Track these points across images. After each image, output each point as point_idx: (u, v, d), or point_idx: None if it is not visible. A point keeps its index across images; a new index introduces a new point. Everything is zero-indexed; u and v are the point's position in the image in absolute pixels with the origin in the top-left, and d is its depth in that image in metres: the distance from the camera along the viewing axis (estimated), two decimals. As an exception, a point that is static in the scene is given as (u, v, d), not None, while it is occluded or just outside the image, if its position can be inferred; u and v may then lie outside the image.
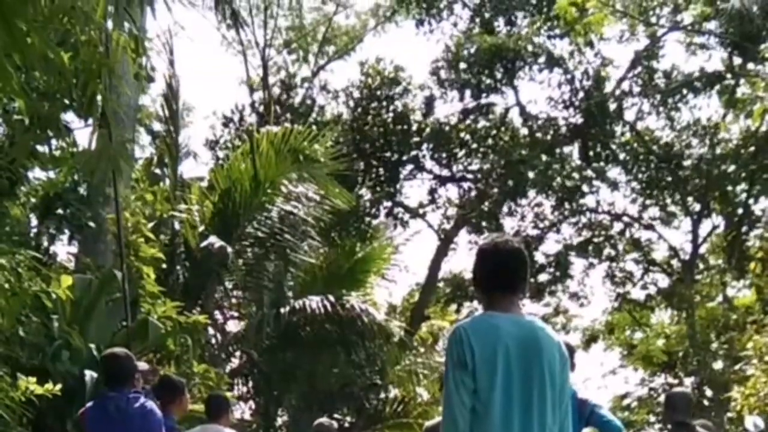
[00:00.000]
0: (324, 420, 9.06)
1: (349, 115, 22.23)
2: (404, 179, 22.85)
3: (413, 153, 22.29)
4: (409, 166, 22.68)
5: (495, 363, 3.55)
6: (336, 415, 15.33)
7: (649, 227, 23.70)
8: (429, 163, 22.85)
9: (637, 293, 24.74)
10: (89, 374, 8.16)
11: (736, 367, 15.60)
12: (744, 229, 21.55)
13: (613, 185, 22.04)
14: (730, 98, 20.85)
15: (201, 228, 12.90)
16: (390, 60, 22.00)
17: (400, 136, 21.83)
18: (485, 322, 3.74)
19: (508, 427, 3.52)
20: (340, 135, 19.75)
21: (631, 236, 23.90)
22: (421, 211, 23.28)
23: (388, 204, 22.39)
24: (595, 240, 23.29)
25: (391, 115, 21.96)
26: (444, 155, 22.42)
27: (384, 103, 21.97)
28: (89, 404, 6.67)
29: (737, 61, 21.19)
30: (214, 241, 12.22)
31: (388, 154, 22.09)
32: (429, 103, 22.22)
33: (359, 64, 22.33)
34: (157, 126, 13.76)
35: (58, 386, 7.32)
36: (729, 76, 20.91)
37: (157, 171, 13.63)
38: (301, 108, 22.67)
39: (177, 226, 12.75)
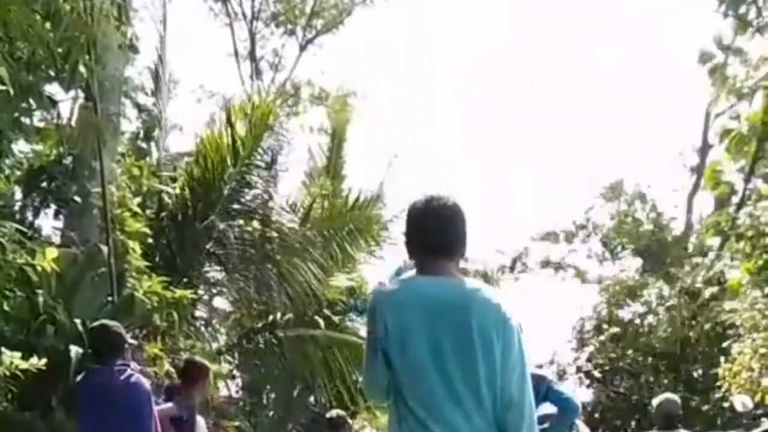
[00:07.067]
0: (334, 412, 9.04)
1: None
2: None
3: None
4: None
5: (404, 337, 3.32)
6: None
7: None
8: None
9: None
10: (74, 349, 8.07)
11: (724, 345, 15.61)
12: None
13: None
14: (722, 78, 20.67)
15: (187, 202, 12.76)
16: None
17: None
18: (404, 288, 3.49)
19: (418, 399, 3.31)
20: None
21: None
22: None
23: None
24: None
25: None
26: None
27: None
28: (78, 378, 6.56)
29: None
30: (201, 215, 12.10)
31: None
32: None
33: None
34: (143, 99, 13.54)
35: (43, 361, 7.23)
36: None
37: (144, 145, 13.47)
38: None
39: (165, 199, 12.61)
